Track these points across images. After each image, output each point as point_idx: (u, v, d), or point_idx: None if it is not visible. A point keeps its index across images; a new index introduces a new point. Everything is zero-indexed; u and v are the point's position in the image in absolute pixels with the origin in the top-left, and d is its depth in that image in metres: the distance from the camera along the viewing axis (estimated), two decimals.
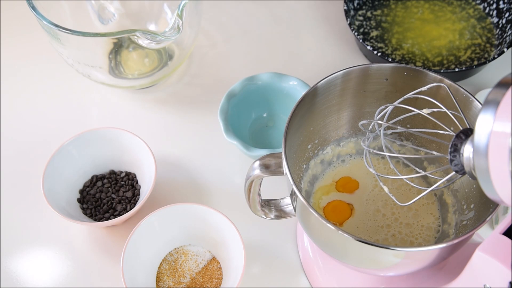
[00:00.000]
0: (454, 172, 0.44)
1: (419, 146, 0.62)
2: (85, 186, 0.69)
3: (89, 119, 0.78)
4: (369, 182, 0.61)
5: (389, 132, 0.57)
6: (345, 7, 0.80)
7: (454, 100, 0.49)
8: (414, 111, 0.49)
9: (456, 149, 0.43)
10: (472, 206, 0.55)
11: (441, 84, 0.53)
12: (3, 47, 0.86)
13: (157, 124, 0.77)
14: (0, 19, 0.89)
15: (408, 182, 0.50)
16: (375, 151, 0.51)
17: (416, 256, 0.47)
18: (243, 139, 0.69)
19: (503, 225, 0.44)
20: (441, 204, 0.59)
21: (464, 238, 0.45)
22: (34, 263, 0.66)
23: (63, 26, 0.64)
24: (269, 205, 0.58)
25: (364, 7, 0.84)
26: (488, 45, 0.79)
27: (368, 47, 0.76)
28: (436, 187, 0.46)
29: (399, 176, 0.48)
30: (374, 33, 0.82)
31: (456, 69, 0.73)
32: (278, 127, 0.75)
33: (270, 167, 0.52)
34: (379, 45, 0.80)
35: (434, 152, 0.49)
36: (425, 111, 0.49)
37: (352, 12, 0.82)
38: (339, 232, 0.45)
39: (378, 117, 0.51)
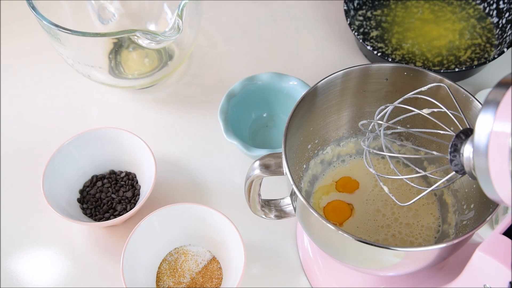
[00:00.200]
0: (454, 172, 0.44)
1: (419, 146, 0.62)
2: (85, 186, 0.69)
3: (89, 119, 0.78)
4: (369, 182, 0.61)
5: (389, 132, 0.57)
6: (345, 7, 0.80)
7: (454, 100, 0.49)
8: (414, 111, 0.49)
9: (456, 149, 0.43)
10: (472, 206, 0.55)
11: (441, 84, 0.53)
12: (3, 47, 0.86)
13: (157, 124, 0.77)
14: (0, 19, 0.89)
15: (408, 182, 0.50)
16: (375, 151, 0.51)
17: (416, 256, 0.47)
18: (243, 139, 0.69)
19: (503, 225, 0.44)
20: (441, 204, 0.59)
21: (464, 238, 0.45)
22: (34, 263, 0.66)
23: (63, 26, 0.64)
24: (269, 205, 0.58)
25: (364, 7, 0.84)
26: (488, 45, 0.79)
27: (368, 47, 0.76)
28: (436, 187, 0.46)
29: (399, 176, 0.48)
30: (374, 33, 0.82)
31: (456, 69, 0.73)
32: (278, 127, 0.75)
33: (270, 167, 0.52)
34: (379, 45, 0.80)
35: (434, 152, 0.49)
36: (425, 111, 0.49)
37: (352, 12, 0.82)
38: (339, 232, 0.45)
39: (378, 117, 0.51)
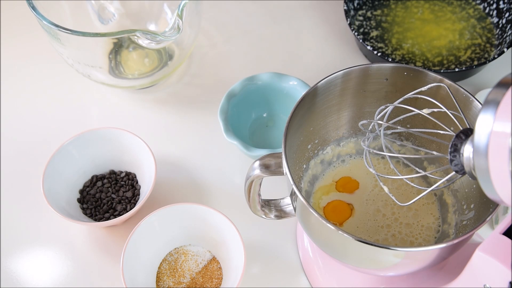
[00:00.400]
0: (454, 172, 0.44)
1: (419, 146, 0.62)
2: (85, 186, 0.69)
3: (89, 119, 0.78)
4: (369, 182, 0.61)
5: (389, 132, 0.57)
6: (345, 7, 0.80)
7: (454, 100, 0.49)
8: (414, 111, 0.49)
9: (456, 149, 0.43)
10: (472, 206, 0.55)
11: (441, 84, 0.53)
12: (3, 47, 0.86)
13: (157, 124, 0.77)
14: (0, 19, 0.89)
15: (408, 182, 0.50)
16: (375, 151, 0.51)
17: (416, 256, 0.47)
18: (243, 139, 0.69)
19: (503, 225, 0.44)
20: (441, 204, 0.59)
21: (464, 238, 0.45)
22: (34, 263, 0.66)
23: (63, 26, 0.64)
24: (269, 205, 0.58)
25: (364, 7, 0.84)
26: (488, 45, 0.79)
27: (368, 47, 0.76)
28: (436, 187, 0.46)
29: (399, 176, 0.48)
30: (374, 33, 0.82)
31: (456, 69, 0.73)
32: (278, 127, 0.75)
33: (270, 167, 0.52)
34: (379, 45, 0.80)
35: (434, 152, 0.49)
36: (425, 111, 0.49)
37: (352, 12, 0.82)
38: (339, 232, 0.45)
39: (378, 117, 0.51)
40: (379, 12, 0.84)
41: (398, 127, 0.51)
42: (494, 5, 0.81)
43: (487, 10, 0.82)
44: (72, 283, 0.64)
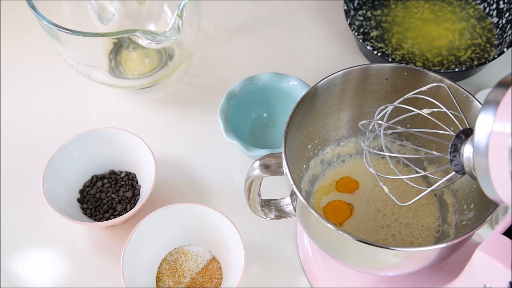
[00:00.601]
0: (454, 172, 0.44)
1: (419, 146, 0.62)
2: (85, 186, 0.69)
3: (89, 119, 0.78)
4: (369, 182, 0.61)
5: (389, 132, 0.57)
6: (345, 7, 0.80)
7: (454, 100, 0.49)
8: (414, 111, 0.49)
9: (456, 149, 0.43)
10: (472, 206, 0.55)
11: (441, 84, 0.53)
12: (3, 47, 0.86)
13: (157, 124, 0.77)
14: (0, 19, 0.89)
15: (408, 182, 0.50)
16: (375, 151, 0.51)
17: (416, 256, 0.47)
18: (243, 139, 0.69)
19: (503, 225, 0.44)
20: (441, 204, 0.59)
21: (464, 238, 0.45)
22: (34, 263, 0.66)
23: (63, 26, 0.64)
24: (269, 205, 0.58)
25: (364, 7, 0.84)
26: (488, 45, 0.79)
27: (368, 47, 0.76)
28: (436, 187, 0.46)
29: (399, 176, 0.48)
30: (374, 33, 0.82)
31: (456, 69, 0.73)
32: (278, 127, 0.75)
33: (270, 167, 0.52)
34: (379, 45, 0.80)
35: (434, 152, 0.49)
36: (425, 111, 0.49)
37: (352, 12, 0.82)
38: (339, 232, 0.45)
39: (378, 117, 0.51)
40: (379, 12, 0.84)
41: (398, 127, 0.51)
42: (494, 5, 0.81)
43: (487, 10, 0.82)
44: (72, 283, 0.64)
